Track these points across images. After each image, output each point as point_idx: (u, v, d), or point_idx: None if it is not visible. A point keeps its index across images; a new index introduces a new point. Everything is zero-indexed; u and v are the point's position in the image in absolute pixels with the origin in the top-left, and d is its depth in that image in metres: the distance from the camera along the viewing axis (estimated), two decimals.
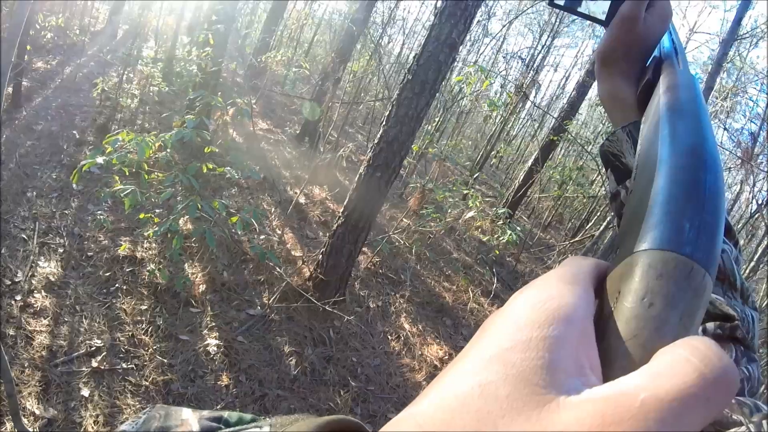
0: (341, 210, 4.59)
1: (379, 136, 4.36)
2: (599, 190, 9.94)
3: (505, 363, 0.21)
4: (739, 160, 8.46)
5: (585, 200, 10.47)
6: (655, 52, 0.53)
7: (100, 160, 3.23)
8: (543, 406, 0.19)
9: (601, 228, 8.40)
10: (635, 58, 0.56)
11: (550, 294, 0.24)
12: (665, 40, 0.54)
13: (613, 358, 0.23)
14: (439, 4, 4.48)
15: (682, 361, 0.19)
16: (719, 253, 0.26)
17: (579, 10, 0.58)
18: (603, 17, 0.57)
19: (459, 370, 0.22)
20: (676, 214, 0.27)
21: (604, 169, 0.58)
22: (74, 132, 6.04)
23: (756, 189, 7.90)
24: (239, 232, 4.75)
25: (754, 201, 7.66)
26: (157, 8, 9.48)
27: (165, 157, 3.85)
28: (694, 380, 0.18)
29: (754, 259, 7.16)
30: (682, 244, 0.25)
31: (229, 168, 4.10)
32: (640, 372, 0.20)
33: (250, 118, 5.10)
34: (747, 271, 6.96)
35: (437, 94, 5.29)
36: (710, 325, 0.48)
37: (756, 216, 7.95)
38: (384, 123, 4.36)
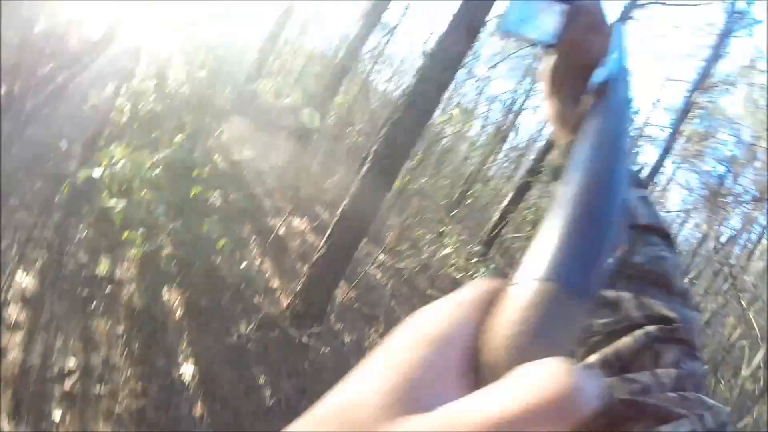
0: (322, 242, 4.62)
1: (362, 171, 4.44)
2: None
3: (382, 378, 0.23)
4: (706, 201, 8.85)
5: None
6: (602, 72, 0.53)
7: (96, 173, 3.23)
8: (396, 420, 0.21)
9: None
10: (580, 79, 0.57)
11: (431, 318, 0.27)
12: (613, 61, 0.55)
13: (483, 379, 0.24)
14: (428, 46, 4.66)
15: (526, 381, 0.20)
16: (597, 279, 0.28)
17: (528, 35, 0.59)
18: (551, 39, 0.59)
19: (351, 380, 0.25)
20: (555, 244, 0.28)
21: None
22: (61, 143, 5.96)
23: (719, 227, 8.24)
24: (219, 260, 4.74)
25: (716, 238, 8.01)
26: (155, 26, 9.50)
27: (156, 176, 3.85)
28: (532, 400, 0.20)
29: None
30: (554, 273, 0.26)
31: (216, 194, 4.11)
32: (487, 390, 0.21)
33: (240, 145, 5.15)
34: (718, 305, 7.27)
35: (423, 131, 5.43)
36: (651, 328, 0.49)
37: (718, 252, 8.27)
38: (369, 159, 4.44)
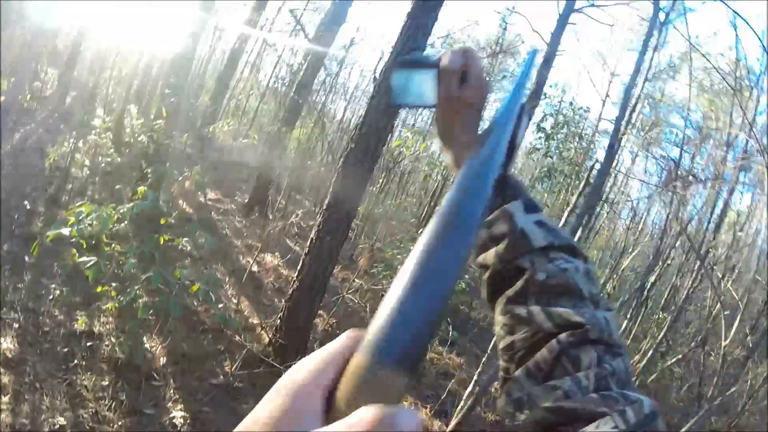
0: (295, 275, 4.72)
1: (327, 202, 4.58)
2: None
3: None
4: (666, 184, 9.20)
5: None
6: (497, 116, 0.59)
7: (65, 231, 3.28)
8: None
9: None
10: (466, 128, 0.67)
11: (301, 369, 0.33)
12: (501, 106, 0.60)
13: (333, 418, 0.29)
14: (377, 76, 4.85)
15: (344, 421, 0.27)
16: (414, 350, 0.32)
17: (414, 103, 0.69)
18: (433, 101, 0.67)
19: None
20: (382, 318, 0.34)
21: None
22: (25, 202, 5.93)
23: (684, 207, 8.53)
24: (195, 303, 4.78)
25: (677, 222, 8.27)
26: (107, 76, 9.55)
27: (123, 229, 3.91)
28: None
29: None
30: (372, 348, 0.31)
31: (186, 240, 4.17)
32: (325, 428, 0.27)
33: (203, 189, 5.23)
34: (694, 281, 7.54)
35: (379, 158, 5.59)
36: (563, 336, 0.52)
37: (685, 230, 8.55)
38: (330, 189, 4.59)
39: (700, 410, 4.17)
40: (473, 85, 0.65)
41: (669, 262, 9.52)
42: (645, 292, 9.21)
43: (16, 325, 3.91)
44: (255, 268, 6.41)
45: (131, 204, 3.74)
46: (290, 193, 9.73)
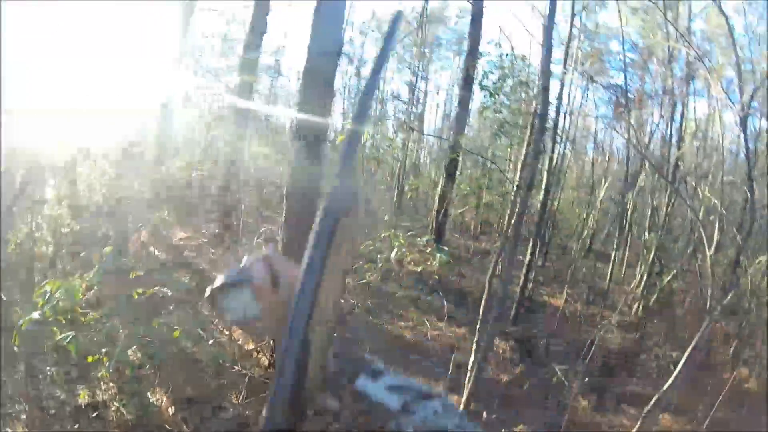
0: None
1: (285, 211, 4.61)
2: (511, 187, 10.50)
3: None
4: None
5: (501, 199, 11.04)
6: None
7: (36, 315, 3.28)
8: None
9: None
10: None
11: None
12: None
13: None
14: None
15: None
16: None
17: (244, 318, 0.74)
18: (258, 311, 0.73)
19: None
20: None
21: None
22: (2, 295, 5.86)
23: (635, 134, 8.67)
24: (189, 345, 4.81)
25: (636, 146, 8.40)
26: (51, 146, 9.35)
27: (95, 294, 3.92)
28: None
29: None
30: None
31: (157, 288, 4.18)
32: None
33: (168, 229, 5.22)
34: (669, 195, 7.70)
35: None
36: None
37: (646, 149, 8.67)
38: (285, 199, 4.59)
39: (705, 319, 4.31)
40: (284, 287, 0.71)
41: (641, 184, 9.70)
42: (627, 218, 9.40)
43: (23, 416, 3.92)
44: None
45: (94, 270, 3.74)
46: (258, 210, 9.71)
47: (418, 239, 7.86)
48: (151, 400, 4.20)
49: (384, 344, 5.85)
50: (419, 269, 7.52)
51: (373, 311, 6.61)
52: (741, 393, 5.60)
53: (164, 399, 4.28)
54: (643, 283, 8.31)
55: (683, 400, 5.23)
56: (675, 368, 4.15)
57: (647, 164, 8.93)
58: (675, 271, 8.44)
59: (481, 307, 4.56)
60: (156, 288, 4.09)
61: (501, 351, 6.17)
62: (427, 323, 6.49)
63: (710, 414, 4.97)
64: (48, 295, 3.45)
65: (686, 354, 4.02)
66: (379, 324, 6.39)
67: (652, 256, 8.11)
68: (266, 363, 4.78)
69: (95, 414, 4.00)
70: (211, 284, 0.74)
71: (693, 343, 4.06)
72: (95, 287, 3.88)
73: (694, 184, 8.35)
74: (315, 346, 0.63)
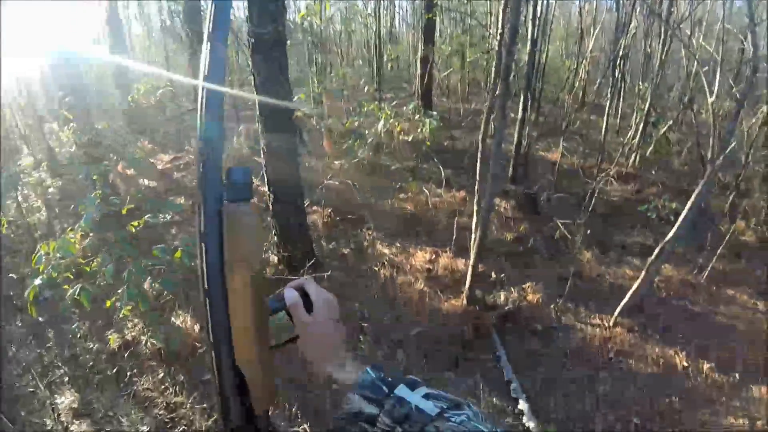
0: (268, 189, 4.70)
1: (257, 106, 4.41)
2: (493, 43, 9.99)
3: None
4: None
5: (487, 55, 10.58)
6: None
7: (37, 281, 3.31)
8: None
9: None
10: (326, 346, 0.81)
11: None
12: None
13: None
14: None
15: None
16: None
17: (280, 342, 0.80)
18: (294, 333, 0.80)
19: None
20: None
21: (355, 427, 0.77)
22: (11, 275, 5.96)
23: None
24: (195, 263, 4.88)
25: None
26: (10, 115, 9.07)
27: (91, 242, 3.91)
28: None
29: None
30: None
31: (148, 216, 4.14)
32: None
33: (139, 163, 5.11)
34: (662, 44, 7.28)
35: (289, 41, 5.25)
36: None
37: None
38: (256, 93, 4.38)
39: (704, 170, 4.22)
40: (319, 308, 0.79)
41: (633, 31, 9.12)
42: (619, 68, 8.96)
43: (66, 379, 4.12)
44: None
45: (83, 218, 3.69)
46: (234, 109, 9.44)
47: (405, 108, 7.65)
48: (175, 324, 4.36)
49: (386, 219, 5.89)
50: (410, 138, 7.39)
51: (371, 188, 6.60)
52: (739, 245, 5.69)
53: (188, 320, 4.43)
54: (639, 134, 8.10)
55: (683, 251, 5.30)
56: (675, 219, 4.15)
57: (639, 9, 8.36)
58: (671, 122, 8.21)
59: (477, 168, 4.49)
60: (147, 216, 4.05)
61: (503, 210, 6.20)
62: (426, 192, 6.49)
63: (709, 265, 5.11)
64: (45, 258, 3.45)
65: (687, 206, 3.97)
66: (379, 200, 6.40)
67: (647, 106, 7.80)
68: (275, 260, 4.86)
69: (129, 353, 4.18)
70: None
71: (694, 195, 3.98)
72: (90, 234, 3.86)
73: (688, 32, 7.79)
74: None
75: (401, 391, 0.74)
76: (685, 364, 3.96)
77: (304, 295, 0.80)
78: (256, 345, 0.71)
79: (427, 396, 0.73)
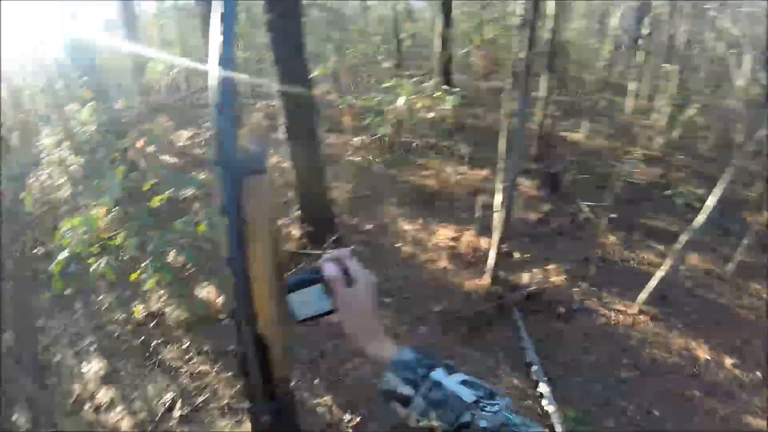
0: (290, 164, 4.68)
1: (278, 83, 4.33)
2: (514, 20, 9.75)
3: None
4: None
5: (507, 32, 10.37)
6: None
7: (63, 255, 3.33)
8: None
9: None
10: (366, 321, 0.80)
11: None
12: None
13: None
14: None
15: None
16: None
17: (312, 314, 0.80)
18: (332, 306, 0.80)
19: None
20: None
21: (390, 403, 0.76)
22: (36, 250, 6.04)
23: None
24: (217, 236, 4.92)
25: None
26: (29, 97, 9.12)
27: (114, 216, 3.93)
28: None
29: None
30: None
31: (171, 191, 4.15)
32: None
33: (159, 140, 5.09)
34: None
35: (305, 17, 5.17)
36: None
37: None
38: (275, 64, 4.32)
39: (731, 156, 4.06)
40: (359, 284, 0.79)
41: (658, 9, 8.82)
42: (644, 47, 8.70)
43: (92, 348, 4.19)
44: None
45: (105, 194, 3.71)
46: (253, 89, 9.40)
47: (425, 84, 7.54)
48: (199, 296, 4.39)
49: (408, 196, 5.84)
50: (431, 115, 7.28)
51: (392, 164, 6.55)
52: (766, 235, 5.48)
53: (212, 291, 4.46)
54: (666, 117, 7.86)
55: (709, 240, 5.17)
56: (700, 205, 4.03)
57: None
58: (698, 105, 7.90)
59: (501, 146, 4.41)
60: (170, 191, 4.06)
61: (526, 189, 6.11)
62: (449, 169, 6.42)
63: (735, 257, 4.97)
64: (69, 233, 3.48)
65: (714, 193, 3.85)
66: (401, 176, 6.35)
67: (673, 88, 7.53)
68: (298, 234, 4.86)
69: (154, 323, 4.22)
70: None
71: (721, 183, 3.86)
72: (113, 210, 3.88)
73: (714, 14, 7.51)
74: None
75: (438, 374, 0.73)
76: (708, 357, 3.89)
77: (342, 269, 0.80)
78: (276, 312, 0.72)
79: (464, 382, 0.72)
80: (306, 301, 0.78)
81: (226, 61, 0.64)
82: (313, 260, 4.39)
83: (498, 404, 0.70)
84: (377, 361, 0.78)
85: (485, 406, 0.69)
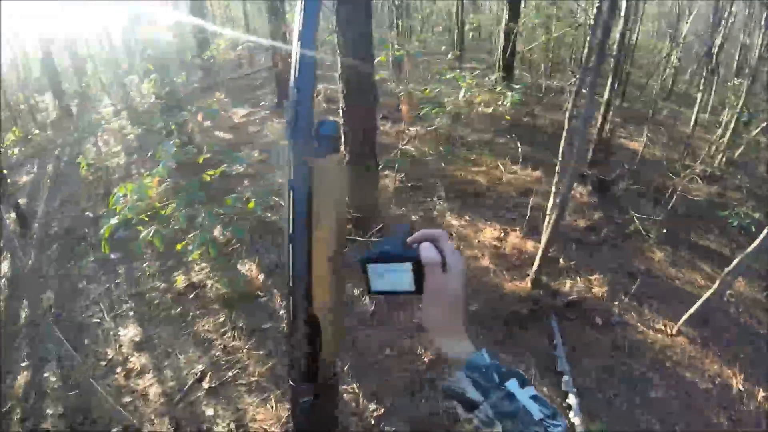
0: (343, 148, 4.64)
1: (339, 65, 4.29)
2: (583, 17, 9.42)
3: None
4: None
5: (575, 31, 10.03)
6: None
7: (114, 220, 3.42)
8: None
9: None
10: (454, 314, 0.73)
11: None
12: None
13: None
14: None
15: None
16: None
17: (392, 290, 0.74)
18: (412, 287, 0.73)
19: None
20: None
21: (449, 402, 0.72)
22: (87, 214, 6.27)
23: None
24: (269, 215, 4.98)
25: None
26: (92, 71, 9.46)
27: (168, 186, 4.01)
28: None
29: None
30: None
31: (225, 166, 4.20)
32: None
33: (216, 115, 5.16)
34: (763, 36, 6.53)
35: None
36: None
37: None
38: (337, 51, 4.29)
39: None
40: (454, 273, 0.72)
41: (732, 19, 8.32)
42: (713, 58, 8.22)
43: (131, 313, 4.33)
44: None
45: (160, 164, 3.78)
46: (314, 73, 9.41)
47: (486, 79, 7.37)
48: (242, 272, 4.45)
49: (458, 190, 5.75)
50: (490, 110, 7.12)
51: (445, 157, 6.45)
52: None
53: (254, 268, 4.50)
54: (728, 133, 7.43)
55: (760, 266, 4.87)
56: (755, 229, 3.76)
57: None
58: (765, 123, 7.41)
59: (561, 148, 4.24)
60: (224, 166, 4.12)
61: (578, 195, 5.90)
62: (501, 167, 6.27)
63: None
64: (122, 199, 3.56)
65: None
66: (452, 170, 6.25)
67: (740, 103, 7.08)
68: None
69: (194, 294, 4.30)
70: (367, 249, 0.75)
71: None
72: (167, 180, 3.96)
73: None
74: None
75: (512, 385, 0.69)
76: (741, 387, 3.68)
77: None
78: (332, 294, 0.71)
79: (534, 398, 0.69)
80: (388, 275, 0.73)
81: (307, 41, 0.63)
82: (361, 246, 4.39)
83: (560, 426, 0.67)
84: (451, 358, 0.73)
85: (549, 426, 0.67)
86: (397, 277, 0.73)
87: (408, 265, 0.72)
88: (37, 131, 10.41)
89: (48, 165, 8.45)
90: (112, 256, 5.06)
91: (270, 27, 8.17)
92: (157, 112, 6.75)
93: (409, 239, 0.75)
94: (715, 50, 7.96)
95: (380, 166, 5.04)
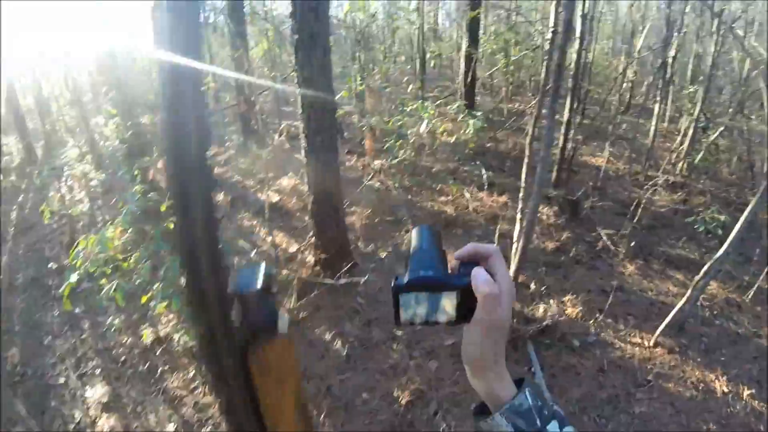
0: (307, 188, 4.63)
1: (300, 103, 4.32)
2: (539, 39, 9.65)
3: None
4: None
5: (533, 53, 10.28)
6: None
7: (74, 278, 3.32)
8: None
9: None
10: (498, 349, 0.64)
11: None
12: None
13: None
14: None
15: None
16: None
17: (430, 320, 0.62)
18: (453, 317, 0.62)
19: None
20: None
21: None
22: (50, 264, 6.10)
23: None
24: (236, 260, 4.89)
25: None
26: (56, 109, 9.32)
27: (130, 237, 3.92)
28: None
29: None
30: None
31: None
32: None
33: None
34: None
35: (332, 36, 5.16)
36: None
37: None
38: (298, 89, 4.30)
39: (754, 181, 3.90)
40: (503, 295, 0.62)
41: (684, 30, 8.68)
42: (668, 68, 8.53)
43: (98, 371, 4.18)
44: (275, 198, 6.40)
45: (122, 214, 3.70)
46: (278, 108, 9.44)
47: (448, 107, 7.46)
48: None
49: (426, 222, 5.75)
50: (453, 139, 7.20)
51: (411, 189, 6.47)
52: None
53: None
54: (687, 140, 7.69)
55: (730, 267, 5.00)
56: (722, 232, 3.86)
57: (692, 7, 7.90)
58: (722, 128, 7.69)
59: (523, 173, 4.30)
60: None
61: (545, 217, 5.97)
62: (467, 194, 6.32)
63: (755, 284, 4.81)
64: (82, 253, 3.47)
65: (739, 223, 3.70)
66: (419, 202, 6.26)
67: (697, 110, 7.36)
68: (312, 261, 4.80)
69: (161, 349, 4.19)
70: (399, 276, 0.64)
71: (746, 212, 3.70)
72: (129, 230, 3.87)
73: (740, 32, 7.32)
74: None
75: (554, 427, 0.62)
76: (726, 389, 3.73)
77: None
78: None
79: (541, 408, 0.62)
80: (424, 303, 0.62)
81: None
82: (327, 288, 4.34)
83: None
84: (489, 398, 0.65)
85: None
86: (436, 305, 0.62)
87: (455, 294, 0.61)
88: (1, 177, 10.15)
89: (12, 212, 8.23)
90: (77, 310, 4.91)
91: (233, 59, 8.20)
92: (120, 157, 6.61)
93: (456, 254, 0.66)
94: (669, 60, 8.25)
95: (346, 203, 5.03)
